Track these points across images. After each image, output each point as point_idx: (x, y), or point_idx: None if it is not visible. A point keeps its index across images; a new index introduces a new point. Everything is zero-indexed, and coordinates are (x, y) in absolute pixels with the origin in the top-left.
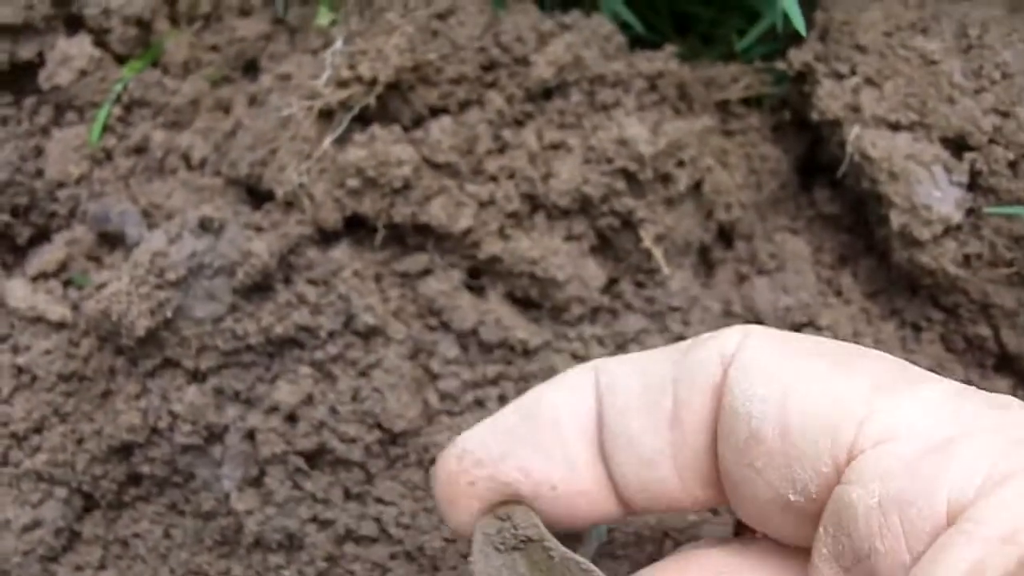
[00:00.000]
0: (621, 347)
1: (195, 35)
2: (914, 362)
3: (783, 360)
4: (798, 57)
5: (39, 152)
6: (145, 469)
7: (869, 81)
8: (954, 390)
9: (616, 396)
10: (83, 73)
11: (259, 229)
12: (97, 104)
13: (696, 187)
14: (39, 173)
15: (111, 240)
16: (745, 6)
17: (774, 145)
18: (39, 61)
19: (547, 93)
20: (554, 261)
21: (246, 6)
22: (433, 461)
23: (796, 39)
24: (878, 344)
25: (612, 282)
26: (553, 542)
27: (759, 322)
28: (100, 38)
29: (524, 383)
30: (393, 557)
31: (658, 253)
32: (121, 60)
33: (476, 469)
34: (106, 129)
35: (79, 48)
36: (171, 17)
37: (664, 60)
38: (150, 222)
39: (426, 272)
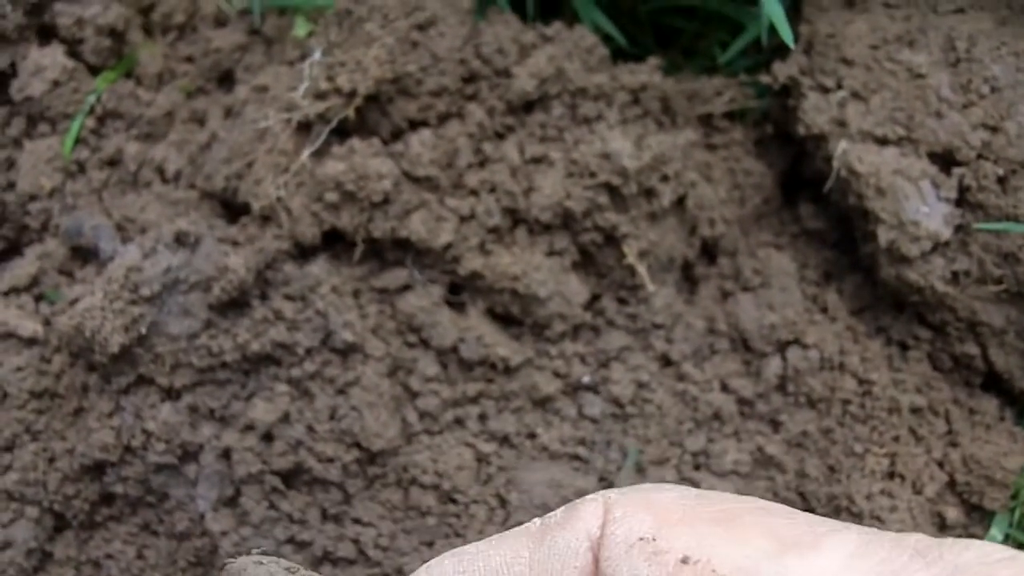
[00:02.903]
0: (604, 365)
1: (169, 46)
2: (901, 381)
3: (662, 531)
4: (783, 70)
5: (11, 164)
6: (118, 488)
7: (855, 95)
8: (858, 542)
9: None
10: (56, 84)
11: (235, 244)
12: (70, 115)
13: (679, 202)
14: (11, 186)
15: (84, 254)
16: (728, 19)
17: (758, 159)
18: (11, 71)
19: (528, 106)
20: (536, 277)
21: (221, 16)
22: (413, 481)
23: (780, 52)
24: (864, 363)
25: (594, 298)
26: None
27: (744, 340)
28: (73, 48)
29: (505, 401)
30: None
31: (642, 269)
32: (94, 71)
33: None
34: (79, 141)
35: (52, 58)
36: (145, 27)
37: (647, 73)
38: (124, 236)
39: (405, 288)
